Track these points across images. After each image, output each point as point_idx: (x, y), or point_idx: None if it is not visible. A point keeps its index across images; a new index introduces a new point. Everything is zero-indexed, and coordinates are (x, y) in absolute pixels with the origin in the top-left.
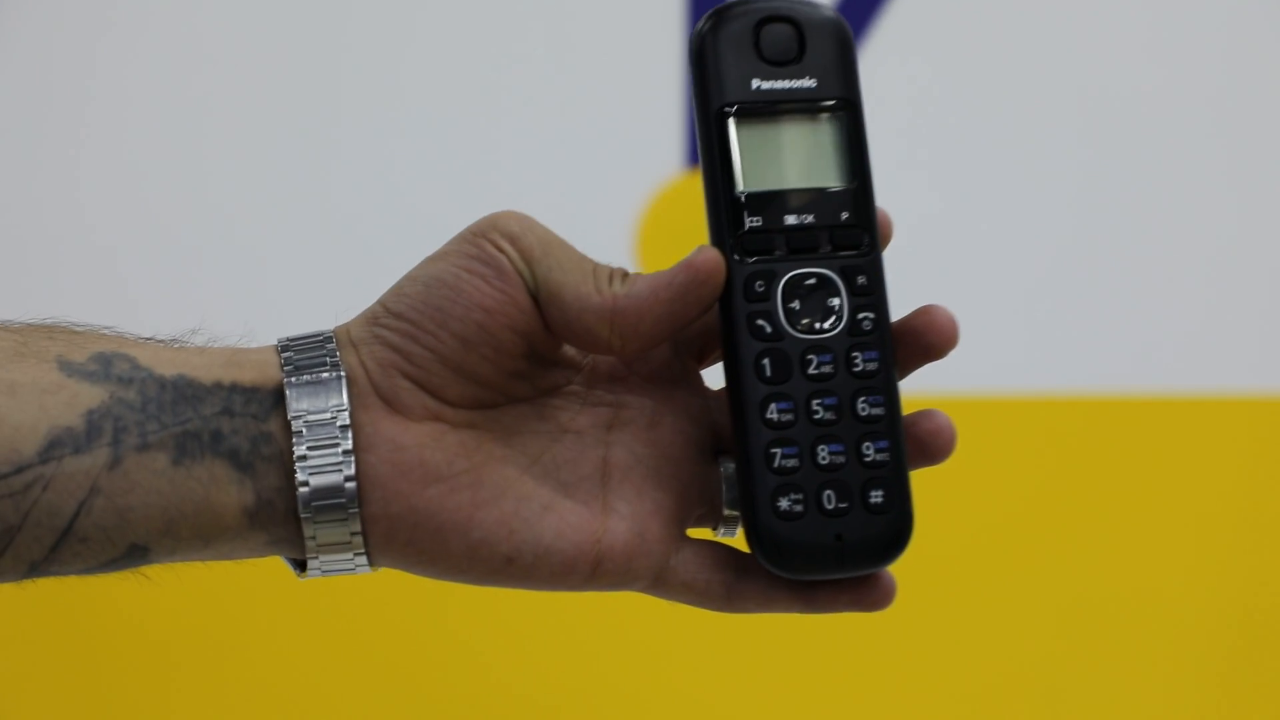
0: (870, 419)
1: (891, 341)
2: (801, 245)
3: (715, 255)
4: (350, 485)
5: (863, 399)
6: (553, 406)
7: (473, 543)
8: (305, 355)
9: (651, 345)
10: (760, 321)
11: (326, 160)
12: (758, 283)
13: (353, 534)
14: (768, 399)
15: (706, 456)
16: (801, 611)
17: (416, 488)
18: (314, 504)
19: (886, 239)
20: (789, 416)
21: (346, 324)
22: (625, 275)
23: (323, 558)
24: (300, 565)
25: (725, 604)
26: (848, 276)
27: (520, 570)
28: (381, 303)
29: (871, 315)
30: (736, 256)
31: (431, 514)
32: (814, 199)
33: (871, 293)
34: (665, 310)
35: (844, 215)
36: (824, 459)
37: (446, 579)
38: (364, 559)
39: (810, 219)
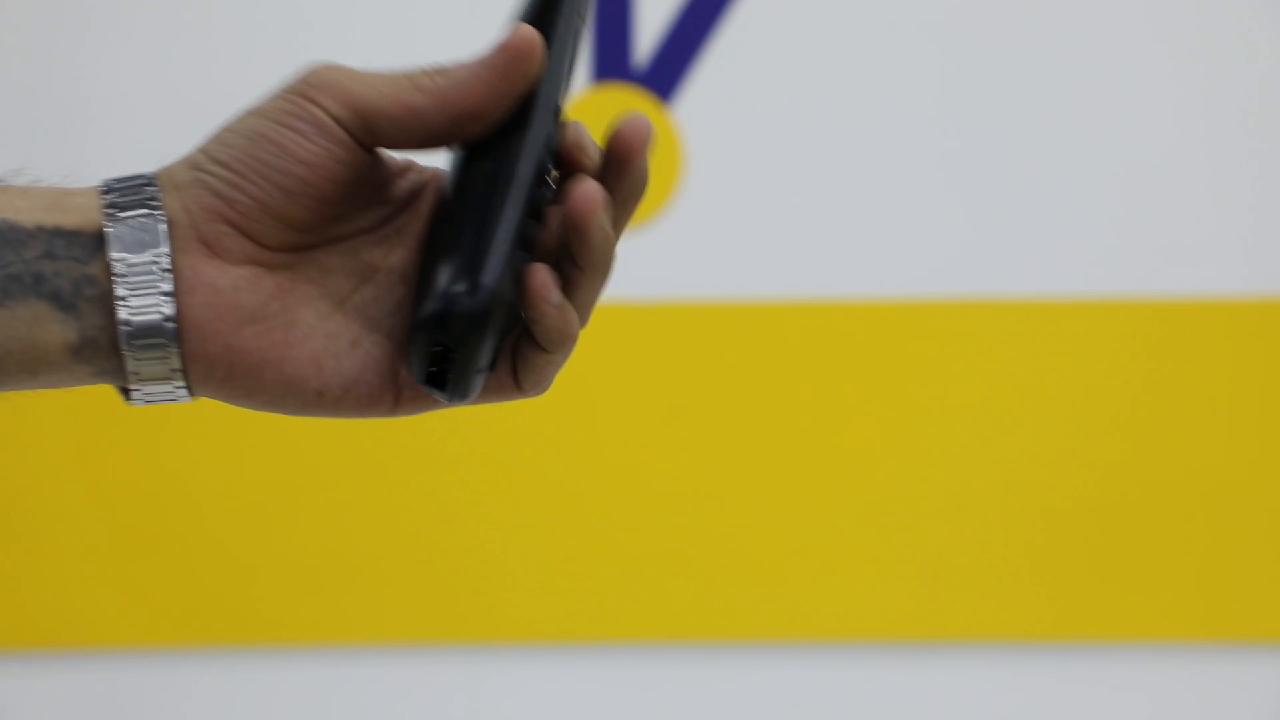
0: None
1: None
2: None
3: (530, 31)
4: (170, 325)
5: None
6: (368, 245)
7: (285, 379)
8: (127, 198)
9: (488, 123)
10: None
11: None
12: None
13: (173, 370)
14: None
15: None
16: None
17: (233, 329)
18: (134, 342)
19: None
20: None
21: (169, 167)
22: (440, 68)
23: (145, 389)
24: (127, 392)
25: (517, 392)
26: None
27: (330, 402)
28: (204, 150)
29: None
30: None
31: (247, 353)
32: None
33: None
34: (493, 87)
35: None
36: None
37: (262, 410)
38: (184, 390)
39: None
